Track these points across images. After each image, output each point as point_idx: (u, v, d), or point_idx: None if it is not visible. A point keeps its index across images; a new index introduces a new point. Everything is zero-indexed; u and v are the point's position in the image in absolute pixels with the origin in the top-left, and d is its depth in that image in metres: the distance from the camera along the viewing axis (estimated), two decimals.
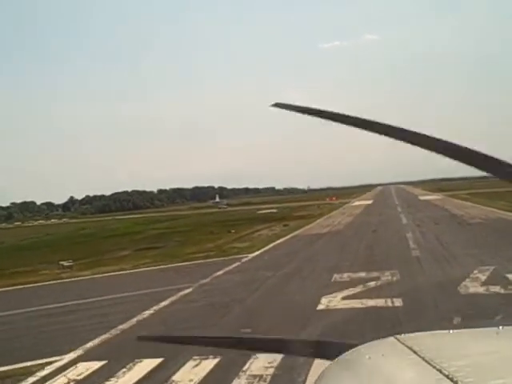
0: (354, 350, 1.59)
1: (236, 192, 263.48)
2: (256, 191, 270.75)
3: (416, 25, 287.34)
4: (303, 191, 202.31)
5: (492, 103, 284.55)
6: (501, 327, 1.58)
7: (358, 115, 1.48)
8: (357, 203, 75.41)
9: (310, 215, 50.47)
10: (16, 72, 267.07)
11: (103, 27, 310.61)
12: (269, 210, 72.04)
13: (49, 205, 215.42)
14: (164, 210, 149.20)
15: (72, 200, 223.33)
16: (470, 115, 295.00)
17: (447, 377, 1.14)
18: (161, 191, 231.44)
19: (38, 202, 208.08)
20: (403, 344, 1.49)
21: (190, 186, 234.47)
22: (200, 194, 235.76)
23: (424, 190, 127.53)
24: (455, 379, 1.12)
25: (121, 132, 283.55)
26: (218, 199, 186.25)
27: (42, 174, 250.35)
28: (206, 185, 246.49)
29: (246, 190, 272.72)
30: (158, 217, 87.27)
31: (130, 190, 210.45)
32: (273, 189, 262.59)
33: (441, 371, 1.18)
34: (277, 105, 1.65)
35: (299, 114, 1.58)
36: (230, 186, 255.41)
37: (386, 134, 1.49)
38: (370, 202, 76.75)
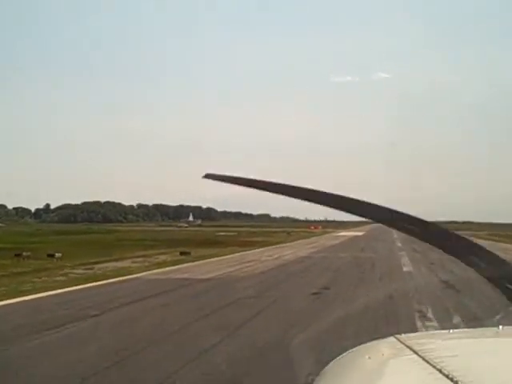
0: (354, 349, 1.60)
1: (227, 215, 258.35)
2: (249, 217, 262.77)
3: (428, 63, 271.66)
4: (299, 221, 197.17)
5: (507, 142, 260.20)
6: (501, 327, 1.59)
7: (292, 183, 1.55)
8: (342, 233, 70.31)
9: (264, 242, 44.95)
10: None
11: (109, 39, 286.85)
12: (226, 233, 70.89)
13: (21, 210, 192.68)
14: (125, 225, 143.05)
15: (47, 207, 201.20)
16: (479, 153, 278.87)
17: (447, 377, 1.15)
18: (140, 206, 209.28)
19: (10, 207, 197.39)
20: (403, 344, 1.50)
21: (174, 203, 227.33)
22: (183, 213, 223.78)
23: None
24: (455, 379, 1.13)
25: (121, 143, 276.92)
26: (191, 218, 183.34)
27: (37, 180, 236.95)
28: (194, 204, 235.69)
29: (238, 215, 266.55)
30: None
31: (103, 200, 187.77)
32: (267, 216, 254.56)
33: (441, 371, 1.19)
34: (208, 176, 1.67)
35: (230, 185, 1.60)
36: (220, 209, 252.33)
37: (320, 202, 1.57)
38: (360, 233, 71.47)
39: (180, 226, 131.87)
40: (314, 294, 14.17)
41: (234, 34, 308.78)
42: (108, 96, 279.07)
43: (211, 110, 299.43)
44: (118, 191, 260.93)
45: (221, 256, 28.66)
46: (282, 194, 1.57)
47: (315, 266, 22.93)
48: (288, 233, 71.87)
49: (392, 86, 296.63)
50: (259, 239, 50.79)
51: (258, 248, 36.28)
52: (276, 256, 29.08)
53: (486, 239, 53.33)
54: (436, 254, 26.39)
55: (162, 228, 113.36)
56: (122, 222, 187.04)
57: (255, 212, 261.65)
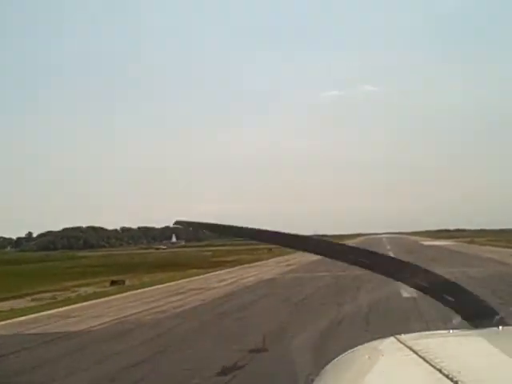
0: (354, 349, 1.60)
1: (214, 235, 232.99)
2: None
3: (416, 77, 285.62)
4: None
5: (492, 154, 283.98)
6: (501, 327, 1.59)
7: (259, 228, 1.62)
8: None
9: (236, 261, 40.34)
10: None
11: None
12: (204, 253, 69.00)
13: (1, 240, 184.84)
14: (103, 250, 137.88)
15: (29, 236, 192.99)
16: (466, 169, 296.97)
17: (447, 377, 1.14)
18: (125, 229, 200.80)
19: None
20: (403, 344, 1.49)
21: (159, 225, 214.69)
22: (170, 235, 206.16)
23: (424, 237, 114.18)
24: (455, 379, 1.12)
25: (103, 166, 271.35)
26: (174, 239, 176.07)
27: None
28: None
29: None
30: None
31: (84, 225, 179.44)
32: None
33: (441, 371, 1.18)
34: (177, 223, 1.69)
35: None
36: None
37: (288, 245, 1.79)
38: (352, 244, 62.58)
39: (158, 249, 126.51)
40: (223, 372, 6.49)
41: (220, 51, 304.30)
42: (87, 115, 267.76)
43: (196, 131, 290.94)
44: (101, 216, 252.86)
45: (164, 283, 24.15)
46: (252, 239, 1.62)
47: (273, 296, 15.97)
48: (269, 249, 66.45)
49: (379, 99, 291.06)
50: (232, 258, 47.10)
51: (224, 269, 32.21)
52: (233, 280, 23.98)
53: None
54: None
55: (140, 251, 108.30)
56: (104, 246, 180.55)
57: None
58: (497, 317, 1.68)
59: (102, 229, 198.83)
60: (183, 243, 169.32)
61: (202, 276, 27.35)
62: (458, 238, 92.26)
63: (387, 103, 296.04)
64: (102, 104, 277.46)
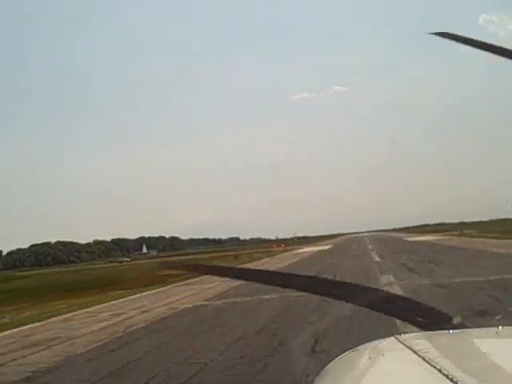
0: (353, 349, 1.60)
1: (193, 243, 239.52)
2: (218, 242, 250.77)
3: (386, 77, 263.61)
4: (269, 240, 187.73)
5: (464, 153, 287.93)
6: (501, 327, 1.59)
7: None
8: (306, 250, 64.81)
9: (185, 275, 30.56)
10: None
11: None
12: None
13: None
14: (67, 267, 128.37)
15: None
16: (442, 164, 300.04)
17: (447, 377, 1.15)
18: (97, 242, 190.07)
19: None
20: (403, 344, 1.50)
21: (134, 236, 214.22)
22: (146, 245, 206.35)
23: (405, 233, 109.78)
24: (455, 379, 1.12)
25: (71, 181, 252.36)
26: (145, 250, 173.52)
27: None
28: (156, 235, 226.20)
29: (205, 241, 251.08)
30: None
31: (53, 241, 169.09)
32: (237, 239, 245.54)
33: (441, 371, 1.18)
34: (440, 34, 1.64)
35: None
36: (186, 237, 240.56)
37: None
38: (326, 247, 67.03)
39: (121, 262, 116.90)
40: None
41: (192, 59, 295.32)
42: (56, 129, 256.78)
43: (172, 137, 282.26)
44: (71, 230, 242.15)
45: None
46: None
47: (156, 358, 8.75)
48: (235, 256, 63.36)
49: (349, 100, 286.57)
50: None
51: (160, 287, 25.59)
52: (133, 314, 15.70)
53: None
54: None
55: (101, 265, 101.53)
56: (74, 261, 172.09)
57: (224, 236, 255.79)
58: (497, 317, 2.13)
59: (72, 243, 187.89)
60: (155, 254, 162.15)
61: (107, 304, 19.71)
62: (442, 231, 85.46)
63: (360, 103, 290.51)
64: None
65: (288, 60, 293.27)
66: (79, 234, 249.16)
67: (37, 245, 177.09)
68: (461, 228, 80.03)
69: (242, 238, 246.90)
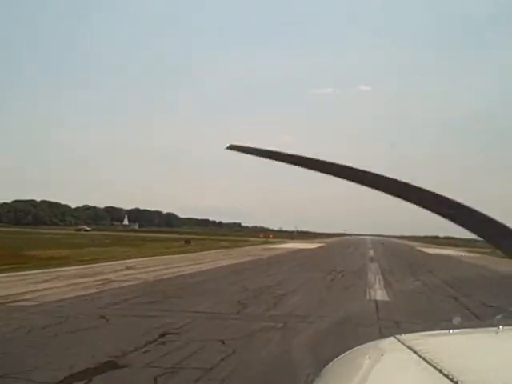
0: (354, 349, 1.61)
1: (191, 222, 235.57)
2: (217, 224, 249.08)
3: (410, 78, 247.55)
4: (269, 230, 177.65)
5: (482, 163, 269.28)
6: (501, 327, 1.59)
7: (315, 157, 1.55)
8: (290, 246, 56.07)
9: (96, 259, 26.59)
10: None
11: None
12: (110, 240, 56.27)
13: None
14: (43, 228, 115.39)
15: None
16: (459, 174, 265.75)
17: (447, 377, 1.14)
18: (88, 208, 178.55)
19: None
20: (403, 344, 1.49)
21: (128, 207, 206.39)
22: (139, 217, 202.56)
23: (415, 242, 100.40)
24: (455, 379, 1.12)
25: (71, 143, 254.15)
26: (126, 222, 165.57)
27: None
28: (153, 209, 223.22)
29: (204, 222, 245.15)
30: None
31: (39, 199, 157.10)
32: (238, 224, 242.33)
33: (441, 371, 1.18)
34: (232, 147, 1.68)
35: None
36: (184, 215, 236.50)
37: (350, 179, 1.51)
38: (314, 245, 60.53)
39: (79, 230, 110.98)
40: None
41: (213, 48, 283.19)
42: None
43: (182, 119, 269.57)
44: (64, 191, 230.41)
45: None
46: (308, 167, 1.54)
47: None
48: (187, 241, 54.91)
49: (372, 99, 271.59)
50: (100, 254, 29.89)
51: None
52: None
53: None
54: None
55: (58, 231, 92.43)
56: (57, 224, 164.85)
57: (226, 221, 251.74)
58: (497, 317, 1.72)
59: (58, 204, 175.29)
60: (135, 227, 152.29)
61: None
62: (460, 246, 74.62)
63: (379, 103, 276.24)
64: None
65: (315, 55, 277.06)
66: (73, 197, 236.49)
67: (19, 201, 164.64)
68: (466, 245, 69.90)
69: (243, 224, 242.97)
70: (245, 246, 55.11)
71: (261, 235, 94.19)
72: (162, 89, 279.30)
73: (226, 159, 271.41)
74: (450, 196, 1.33)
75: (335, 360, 1.56)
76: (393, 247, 73.63)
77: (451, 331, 1.67)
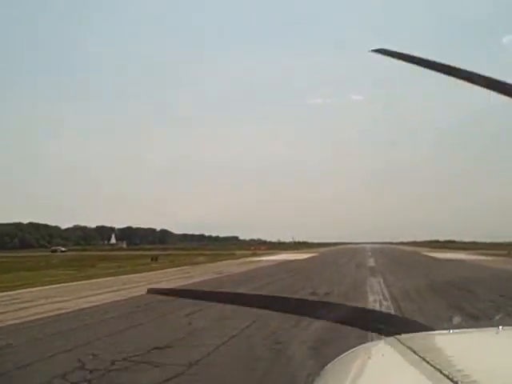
0: (354, 349, 1.60)
1: (186, 238, 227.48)
2: (214, 239, 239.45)
3: (402, 87, 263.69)
4: (268, 243, 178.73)
5: (482, 168, 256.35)
6: (501, 327, 1.58)
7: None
8: (276, 257, 52.04)
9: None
10: None
11: None
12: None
13: None
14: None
15: None
16: (456, 180, 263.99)
17: (447, 377, 1.14)
18: (78, 228, 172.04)
19: None
20: (403, 344, 1.48)
21: (120, 225, 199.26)
22: (131, 236, 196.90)
23: (418, 247, 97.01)
24: (455, 379, 1.12)
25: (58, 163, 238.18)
26: (113, 240, 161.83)
27: None
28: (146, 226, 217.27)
29: (200, 238, 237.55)
30: None
31: (25, 222, 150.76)
32: (236, 238, 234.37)
33: (441, 371, 1.18)
34: (379, 50, 1.67)
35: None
36: (179, 232, 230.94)
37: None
38: (306, 256, 56.61)
39: (54, 251, 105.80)
40: None
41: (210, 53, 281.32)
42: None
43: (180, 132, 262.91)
44: (53, 212, 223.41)
45: None
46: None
47: None
48: (153, 258, 50.97)
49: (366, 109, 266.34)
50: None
51: None
52: None
53: None
54: None
55: (32, 254, 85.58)
56: (45, 246, 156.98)
57: (223, 235, 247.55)
58: (497, 317, 1.92)
59: (46, 226, 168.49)
60: (124, 246, 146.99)
61: None
62: (465, 249, 70.47)
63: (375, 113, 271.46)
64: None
65: (312, 63, 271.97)
66: (63, 218, 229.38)
67: (5, 225, 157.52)
68: (466, 247, 66.28)
69: (241, 237, 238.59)
70: (225, 259, 50.82)
71: (252, 247, 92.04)
72: (152, 102, 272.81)
73: (222, 172, 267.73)
74: None
75: (335, 360, 1.54)
76: (395, 253, 68.06)
77: (451, 331, 1.66)
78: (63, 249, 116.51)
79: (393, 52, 1.61)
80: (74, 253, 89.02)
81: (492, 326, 1.60)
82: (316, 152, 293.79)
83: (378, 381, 1.31)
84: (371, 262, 41.30)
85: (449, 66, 1.54)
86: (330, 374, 1.47)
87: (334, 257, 55.87)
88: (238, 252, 73.35)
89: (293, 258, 52.27)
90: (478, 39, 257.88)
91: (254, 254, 64.83)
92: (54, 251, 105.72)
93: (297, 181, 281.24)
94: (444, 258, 47.28)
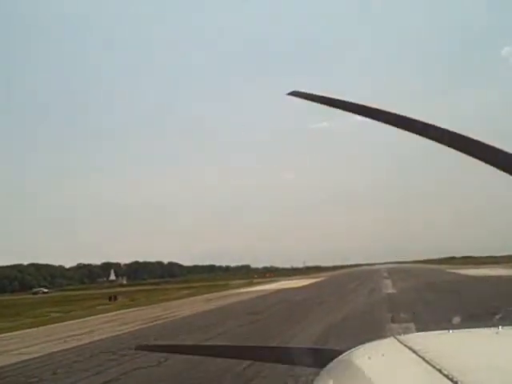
0: (354, 349, 1.59)
1: (198, 270, 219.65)
2: (224, 269, 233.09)
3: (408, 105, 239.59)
4: (282, 269, 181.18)
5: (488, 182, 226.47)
6: (501, 327, 1.59)
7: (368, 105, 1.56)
8: (270, 286, 48.79)
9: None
10: None
11: None
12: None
13: None
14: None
15: None
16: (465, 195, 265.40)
17: (447, 377, 1.14)
18: (82, 266, 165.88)
19: None
20: (403, 344, 1.48)
21: (127, 261, 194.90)
22: (138, 271, 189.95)
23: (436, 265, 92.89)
24: (455, 379, 1.12)
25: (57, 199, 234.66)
26: (112, 277, 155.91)
27: None
28: (153, 260, 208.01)
29: (211, 268, 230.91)
30: None
31: (26, 263, 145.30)
32: (247, 267, 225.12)
33: (441, 371, 1.18)
34: (293, 93, 1.69)
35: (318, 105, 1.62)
36: (188, 264, 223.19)
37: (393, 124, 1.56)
38: (309, 281, 52.98)
39: (35, 293, 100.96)
40: None
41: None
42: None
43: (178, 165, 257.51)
44: (56, 252, 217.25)
45: None
46: (372, 118, 1.54)
47: None
48: (112, 297, 44.86)
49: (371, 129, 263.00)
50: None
51: None
52: None
53: None
54: None
55: (17, 297, 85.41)
56: (45, 287, 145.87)
57: (233, 264, 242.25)
58: (497, 317, 2.03)
59: (48, 266, 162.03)
60: (124, 282, 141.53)
61: None
62: (485, 264, 68.33)
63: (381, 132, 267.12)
64: None
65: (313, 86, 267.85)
66: (68, 257, 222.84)
67: (4, 267, 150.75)
68: (485, 262, 66.68)
69: (253, 266, 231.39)
70: (210, 292, 46.82)
71: (254, 276, 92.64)
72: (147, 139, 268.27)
73: (231, 201, 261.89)
74: None
75: (335, 360, 1.54)
76: (419, 273, 56.42)
77: (451, 331, 1.64)
78: (45, 290, 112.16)
79: (307, 94, 1.59)
80: (58, 293, 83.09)
81: (492, 326, 1.58)
82: (323, 177, 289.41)
83: (378, 381, 1.28)
84: (388, 288, 31.54)
85: (367, 108, 1.51)
86: (330, 373, 1.45)
87: (342, 281, 49.02)
88: (238, 281, 71.17)
89: (291, 286, 46.77)
90: (478, 51, 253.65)
91: (250, 284, 61.71)
92: (36, 293, 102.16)
93: (305, 206, 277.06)
94: (483, 276, 38.39)
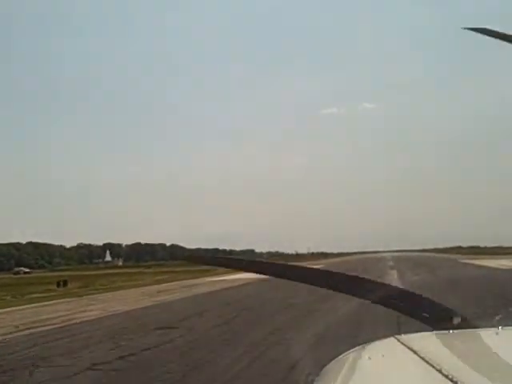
0: (354, 349, 1.59)
1: (202, 253, 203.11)
2: (228, 253, 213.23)
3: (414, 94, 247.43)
4: (285, 255, 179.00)
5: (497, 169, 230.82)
6: (501, 327, 1.59)
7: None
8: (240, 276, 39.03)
9: None
10: None
11: None
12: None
13: None
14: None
15: None
16: (474, 183, 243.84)
17: (447, 377, 1.14)
18: (83, 246, 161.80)
19: None
20: (403, 344, 1.49)
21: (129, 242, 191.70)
22: (140, 252, 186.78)
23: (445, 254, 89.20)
24: (455, 379, 1.12)
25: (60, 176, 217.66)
26: (108, 258, 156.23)
27: None
28: (157, 242, 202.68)
29: (214, 251, 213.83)
30: None
31: (24, 242, 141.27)
32: (252, 251, 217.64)
33: (441, 371, 1.18)
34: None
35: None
36: (190, 246, 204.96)
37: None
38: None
39: (17, 273, 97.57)
40: None
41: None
42: None
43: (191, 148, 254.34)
44: (57, 231, 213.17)
45: None
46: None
47: None
48: (60, 282, 38.10)
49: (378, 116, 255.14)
50: None
51: None
52: None
53: None
54: None
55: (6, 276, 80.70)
56: (43, 267, 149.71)
57: (238, 248, 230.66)
58: (497, 317, 1.67)
59: (46, 245, 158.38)
60: (120, 263, 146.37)
61: None
62: (494, 254, 68.08)
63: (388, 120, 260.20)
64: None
65: (323, 74, 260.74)
66: (69, 236, 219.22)
67: (1, 245, 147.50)
68: (495, 252, 59.77)
69: (257, 250, 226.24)
70: (187, 279, 41.21)
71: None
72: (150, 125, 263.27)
73: (237, 182, 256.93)
74: None
75: (335, 360, 1.53)
76: (432, 264, 47.93)
77: (451, 331, 1.62)
78: (27, 270, 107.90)
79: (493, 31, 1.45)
80: (41, 274, 79.10)
81: (492, 326, 1.58)
82: (331, 162, 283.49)
83: (378, 381, 1.29)
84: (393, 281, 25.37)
85: None
86: (330, 373, 1.44)
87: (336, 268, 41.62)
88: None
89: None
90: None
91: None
92: (17, 273, 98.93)
93: (314, 192, 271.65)
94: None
